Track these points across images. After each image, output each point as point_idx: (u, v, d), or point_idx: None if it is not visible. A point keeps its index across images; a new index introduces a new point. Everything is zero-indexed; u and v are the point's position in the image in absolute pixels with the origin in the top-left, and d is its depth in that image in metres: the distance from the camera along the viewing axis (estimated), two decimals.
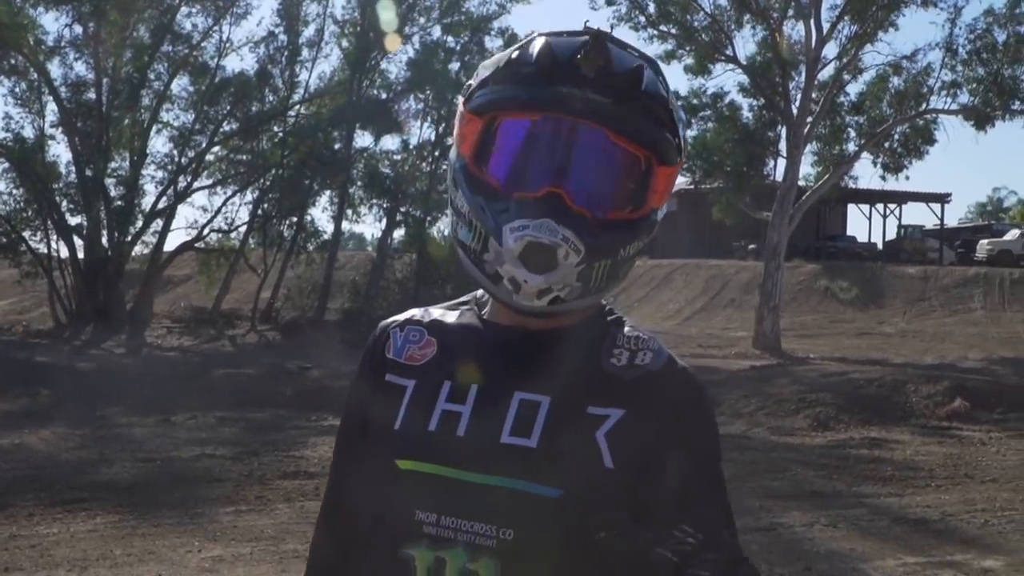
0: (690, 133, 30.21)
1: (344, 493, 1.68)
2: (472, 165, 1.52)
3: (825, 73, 26.70)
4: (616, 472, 1.45)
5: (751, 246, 46.00)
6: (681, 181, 47.40)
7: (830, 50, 27.31)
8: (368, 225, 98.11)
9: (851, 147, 28.33)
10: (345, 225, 49.67)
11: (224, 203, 32.45)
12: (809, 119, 26.06)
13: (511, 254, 1.44)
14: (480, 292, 1.68)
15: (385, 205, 32.67)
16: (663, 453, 1.48)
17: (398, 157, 33.79)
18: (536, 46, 1.48)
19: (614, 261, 1.50)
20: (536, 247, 1.42)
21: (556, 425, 1.48)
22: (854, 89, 41.04)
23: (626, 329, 1.61)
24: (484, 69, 1.54)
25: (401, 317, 1.71)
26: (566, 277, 1.45)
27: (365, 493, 1.56)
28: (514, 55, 1.50)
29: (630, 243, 1.51)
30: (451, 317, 1.67)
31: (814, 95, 26.24)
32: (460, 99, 1.57)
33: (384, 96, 32.78)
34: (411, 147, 33.47)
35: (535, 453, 1.46)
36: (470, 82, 1.56)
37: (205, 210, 32.62)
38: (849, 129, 28.35)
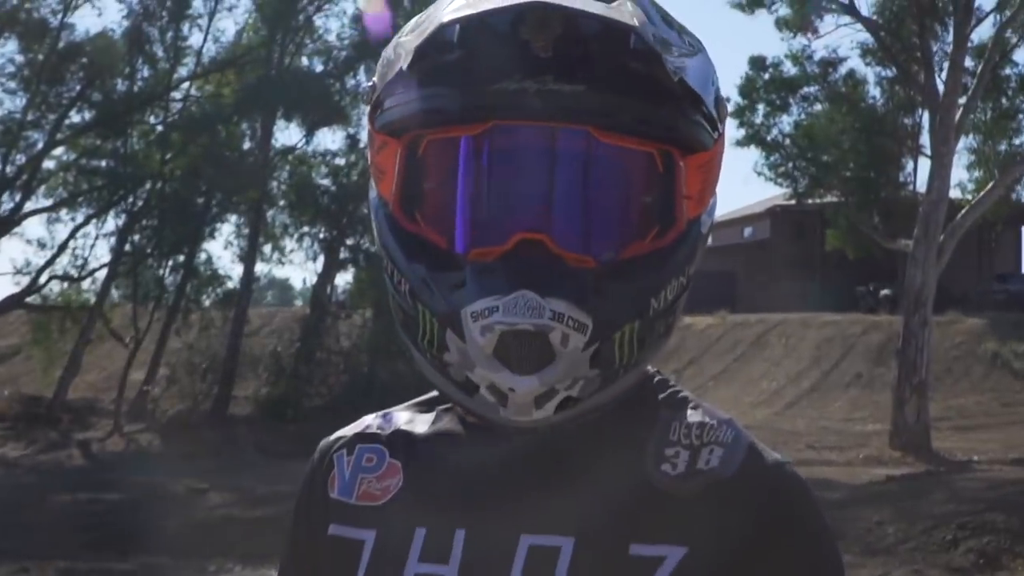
0: (790, 119, 30.43)
1: None
2: (399, 214, 1.49)
3: (982, 31, 26.92)
4: None
5: (884, 292, 45.97)
6: (776, 194, 47.13)
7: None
8: (297, 267, 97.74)
9: (1023, 141, 28.49)
10: (261, 267, 49.61)
11: (72, 234, 32.55)
12: (962, 100, 26.20)
13: (481, 352, 1.38)
14: None
15: (323, 235, 32.81)
16: None
17: (342, 161, 34.01)
18: (458, 23, 1.40)
19: (645, 320, 1.45)
20: (515, 338, 1.36)
21: None
22: (1022, 58, 41.24)
23: (684, 413, 1.56)
24: (388, 62, 1.50)
25: (350, 431, 1.67)
26: (572, 369, 1.39)
27: None
28: (424, 37, 1.42)
29: (664, 285, 1.46)
30: (422, 424, 1.63)
31: (968, 63, 26.39)
32: (365, 110, 1.55)
33: (320, 68, 33.06)
34: (362, 145, 33.68)
35: None
36: (373, 80, 1.54)
37: (42, 246, 32.35)
38: (1020, 115, 28.49)
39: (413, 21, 1.51)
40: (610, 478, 1.48)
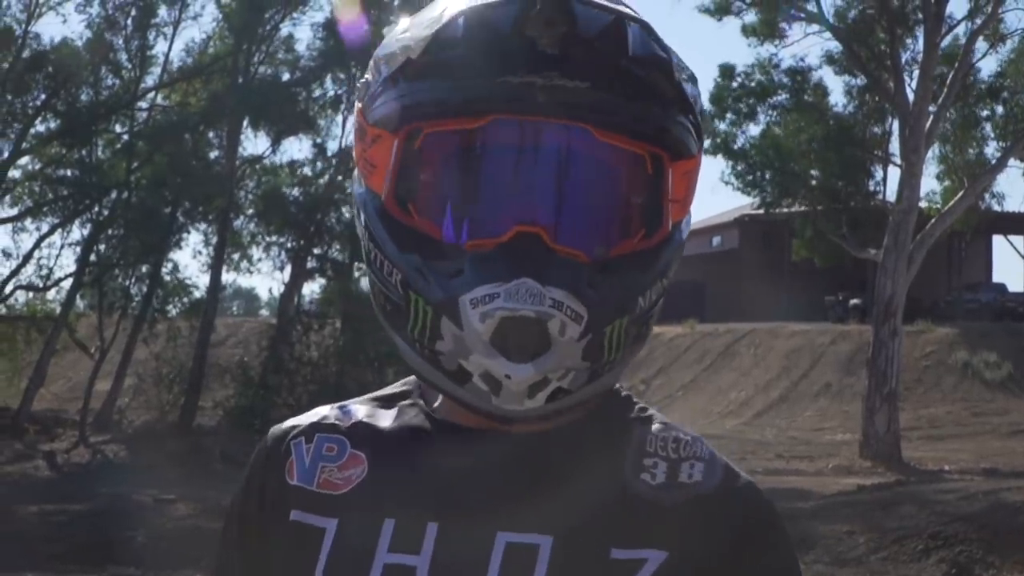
0: (758, 129, 30.53)
1: None
2: (392, 206, 1.50)
3: (952, 40, 27.08)
4: None
5: (853, 301, 46.22)
6: (744, 204, 47.48)
7: (957, 6, 27.66)
8: (264, 276, 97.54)
9: (991, 150, 28.64)
10: (228, 276, 49.54)
11: (37, 244, 32.49)
12: (932, 108, 26.35)
13: (479, 339, 1.40)
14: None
15: (290, 244, 32.78)
16: None
17: (309, 171, 33.99)
18: (462, 17, 1.45)
19: (632, 317, 1.48)
20: (515, 324, 1.39)
21: None
22: (989, 65, 41.49)
23: (655, 427, 1.60)
24: (386, 57, 1.53)
25: (305, 420, 1.67)
26: (567, 359, 1.42)
27: None
28: (430, 34, 1.46)
29: (651, 284, 1.50)
30: (385, 418, 1.64)
31: (938, 71, 26.53)
32: (357, 105, 1.57)
33: (287, 76, 33.01)
34: (330, 154, 33.71)
35: None
36: (366, 77, 1.56)
37: (7, 255, 32.36)
38: (988, 123, 28.65)
39: (409, 20, 1.54)
40: (589, 482, 1.51)
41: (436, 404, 1.62)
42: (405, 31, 1.51)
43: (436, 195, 1.48)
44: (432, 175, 1.48)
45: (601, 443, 1.56)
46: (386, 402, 1.67)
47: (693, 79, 1.54)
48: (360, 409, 1.67)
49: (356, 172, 1.58)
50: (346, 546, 1.52)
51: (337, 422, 1.65)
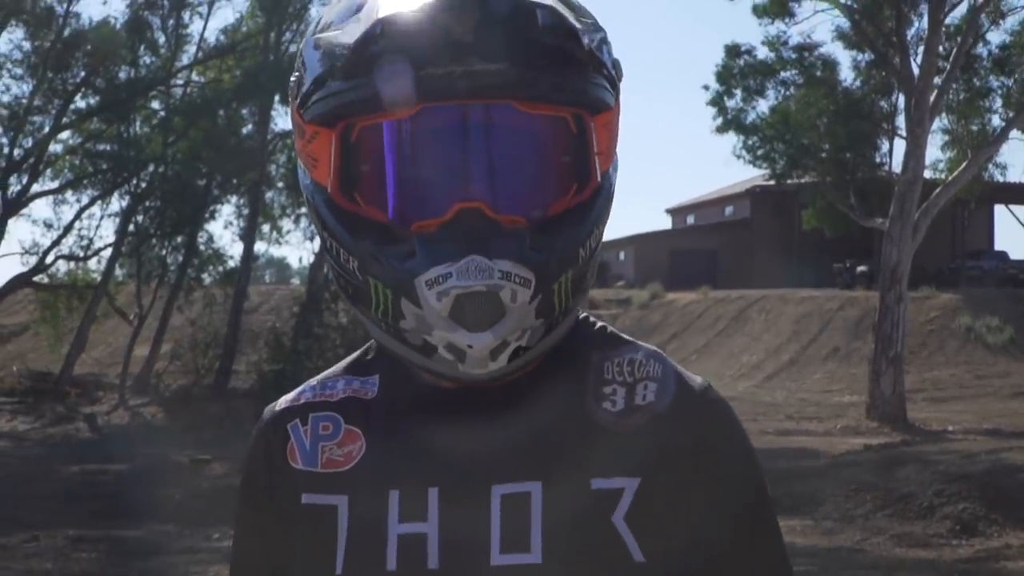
0: (767, 103, 30.39)
1: None
2: (339, 198, 1.55)
3: (956, 15, 26.89)
4: (649, 567, 1.52)
5: (860, 268, 46.07)
6: (756, 175, 47.25)
7: None
8: (294, 247, 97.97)
9: (996, 121, 28.45)
10: (260, 246, 49.61)
11: (78, 215, 32.57)
12: (937, 81, 26.20)
13: (438, 317, 1.47)
14: None
15: None
16: (702, 521, 1.57)
17: None
18: (384, 15, 1.49)
19: (576, 269, 1.55)
20: (470, 299, 1.45)
21: (559, 521, 1.51)
22: (996, 38, 41.34)
23: (611, 351, 1.67)
24: (314, 54, 1.56)
25: (296, 401, 1.70)
26: (521, 321, 1.49)
27: None
28: (353, 32, 1.50)
29: (588, 235, 1.56)
30: (370, 388, 1.68)
31: (942, 46, 26.39)
32: (292, 102, 1.61)
33: None
34: None
35: (544, 572, 1.50)
36: (296, 75, 1.59)
37: (49, 226, 32.36)
38: (993, 95, 28.47)
39: (334, 13, 1.58)
40: (561, 422, 1.58)
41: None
42: (329, 25, 1.56)
43: (378, 183, 1.53)
44: (372, 165, 1.53)
45: (565, 381, 1.62)
46: (361, 371, 1.71)
47: (604, 39, 1.59)
48: (338, 384, 1.70)
49: (300, 164, 1.62)
50: (359, 521, 1.57)
51: (326, 398, 1.68)
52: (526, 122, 1.51)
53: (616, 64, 1.61)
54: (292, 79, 1.60)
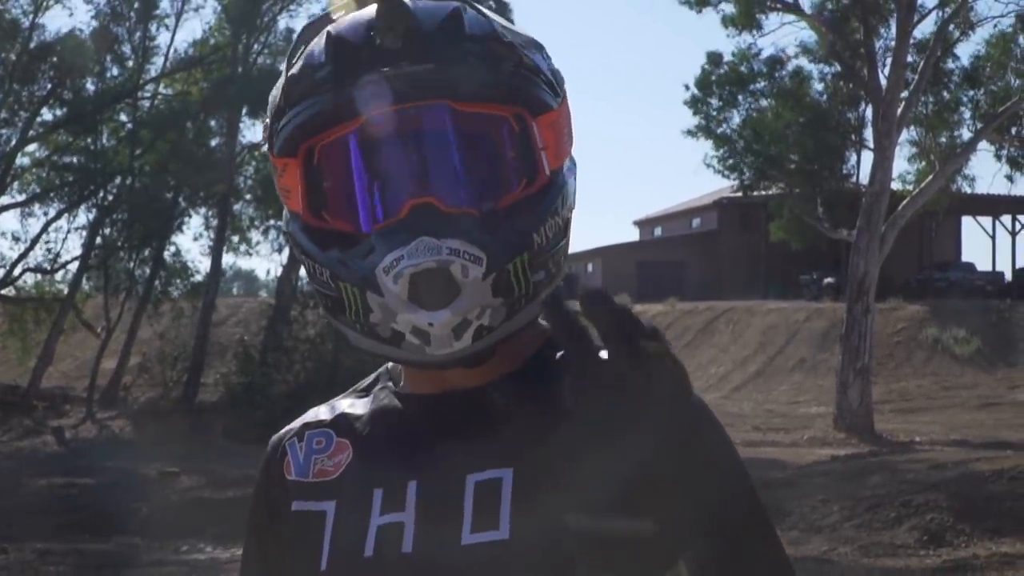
0: (738, 116, 30.52)
1: None
2: (310, 219, 1.65)
3: (925, 28, 27.07)
4: None
5: (827, 280, 46.23)
6: (723, 187, 47.45)
7: None
8: (263, 258, 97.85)
9: (964, 134, 28.63)
10: (228, 258, 49.50)
11: (44, 228, 32.43)
12: (904, 94, 26.34)
13: (398, 299, 1.54)
14: (391, 363, 1.80)
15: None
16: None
17: None
18: (324, 40, 1.61)
19: (532, 253, 1.60)
20: (423, 277, 1.52)
21: (528, 501, 1.56)
22: (966, 50, 41.51)
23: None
24: (275, 94, 1.66)
25: (298, 423, 1.80)
26: (478, 298, 1.55)
27: None
28: (299, 63, 1.62)
29: (542, 223, 1.62)
30: (362, 406, 1.77)
31: (910, 58, 26.54)
32: (266, 148, 1.71)
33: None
34: None
35: (510, 546, 1.55)
36: (265, 120, 1.70)
37: (16, 239, 32.30)
38: (961, 108, 28.65)
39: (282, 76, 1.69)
40: (534, 415, 1.55)
41: (402, 383, 1.77)
42: (289, 71, 1.65)
43: (339, 197, 1.62)
44: (332, 181, 1.63)
45: (542, 375, 1.60)
46: (363, 392, 1.80)
47: (537, 45, 1.68)
48: (343, 403, 1.80)
49: (284, 208, 1.73)
50: (345, 521, 1.64)
51: (325, 417, 1.78)
52: (466, 121, 1.59)
53: (555, 72, 1.69)
54: (263, 124, 1.71)
